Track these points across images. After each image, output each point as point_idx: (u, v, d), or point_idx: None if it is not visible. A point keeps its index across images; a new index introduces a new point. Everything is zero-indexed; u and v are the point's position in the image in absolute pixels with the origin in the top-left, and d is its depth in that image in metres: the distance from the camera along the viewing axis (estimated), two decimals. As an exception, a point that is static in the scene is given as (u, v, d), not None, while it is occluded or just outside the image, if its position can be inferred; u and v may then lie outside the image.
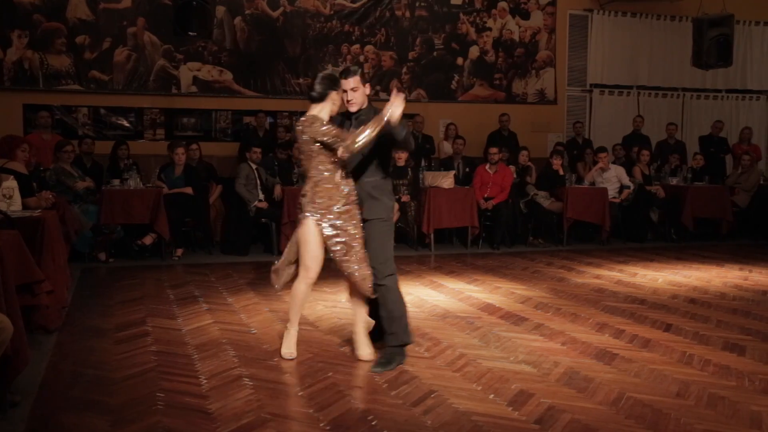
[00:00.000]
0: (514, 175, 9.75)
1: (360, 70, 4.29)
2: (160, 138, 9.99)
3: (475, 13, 11.48)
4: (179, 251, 8.26)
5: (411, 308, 5.76)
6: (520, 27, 11.72)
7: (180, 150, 8.50)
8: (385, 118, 3.93)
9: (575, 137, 11.36)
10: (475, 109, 11.43)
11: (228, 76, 10.32)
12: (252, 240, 8.75)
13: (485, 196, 9.31)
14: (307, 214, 4.20)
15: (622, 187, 9.93)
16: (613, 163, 10.21)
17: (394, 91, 4.07)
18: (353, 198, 4.23)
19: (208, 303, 5.91)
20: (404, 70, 11.15)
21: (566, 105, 12.03)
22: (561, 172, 9.78)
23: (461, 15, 11.40)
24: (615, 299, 6.24)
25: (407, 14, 11.12)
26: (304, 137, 4.11)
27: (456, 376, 4.10)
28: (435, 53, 11.30)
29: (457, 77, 11.44)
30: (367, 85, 4.31)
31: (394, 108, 3.93)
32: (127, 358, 4.35)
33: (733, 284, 6.99)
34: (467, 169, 9.81)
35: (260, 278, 7.13)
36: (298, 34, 10.61)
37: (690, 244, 9.81)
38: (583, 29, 12.04)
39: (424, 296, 6.29)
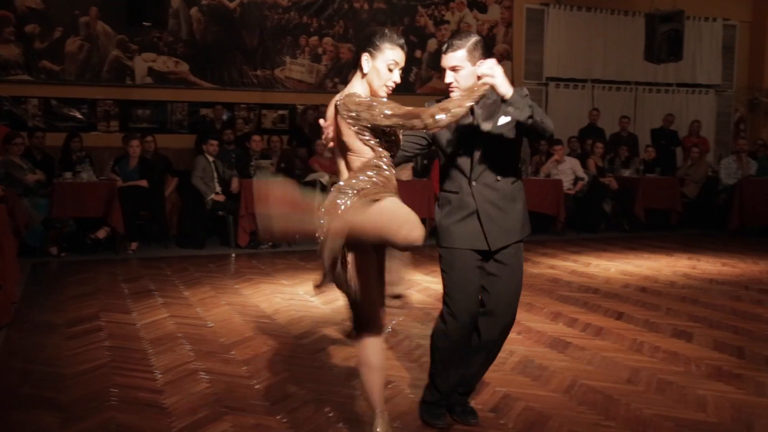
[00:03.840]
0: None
1: (472, 41, 2.97)
2: (114, 130, 9.80)
3: (433, 6, 11.52)
4: (134, 245, 8.14)
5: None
6: (477, 20, 11.80)
7: (135, 142, 8.37)
8: (483, 90, 2.75)
9: (531, 130, 11.48)
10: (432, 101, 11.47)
11: (184, 67, 10.17)
12: (208, 233, 8.67)
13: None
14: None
15: (576, 179, 10.10)
16: (568, 155, 10.38)
17: (488, 61, 2.82)
18: None
19: (164, 297, 5.84)
20: (362, 62, 11.14)
21: (523, 98, 12.15)
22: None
23: (419, 8, 11.43)
24: (569, 289, 6.35)
25: (366, 6, 11.10)
26: (349, 120, 2.71)
27: (413, 366, 4.14)
28: (393, 46, 11.31)
29: (415, 70, 11.47)
30: (483, 62, 2.88)
31: (489, 73, 2.75)
32: (80, 354, 4.28)
33: (682, 273, 7.17)
34: (425, 162, 9.86)
35: (217, 271, 7.08)
36: (255, 26, 10.50)
37: (642, 234, 10.04)
38: (539, 23, 12.18)
39: (382, 288, 6.31)
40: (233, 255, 8.11)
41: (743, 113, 13.15)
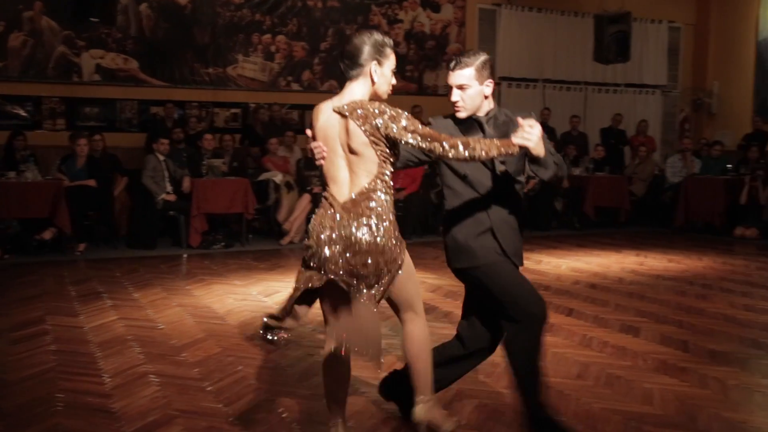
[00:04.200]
0: (426, 167, 9.87)
1: (481, 60, 2.94)
2: (61, 128, 9.55)
3: (386, 5, 11.54)
4: (81, 246, 7.95)
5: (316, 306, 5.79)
6: (430, 20, 11.86)
7: (82, 141, 8.19)
8: (512, 149, 2.72)
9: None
10: (387, 100, 11.49)
11: (133, 64, 9.97)
12: (159, 233, 8.52)
13: (396, 187, 9.40)
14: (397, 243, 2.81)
15: (528, 178, 10.23)
16: (520, 154, 10.50)
17: (529, 120, 2.74)
18: None
19: (113, 299, 5.73)
20: (316, 60, 11.09)
21: (476, 97, 12.27)
22: (470, 163, 9.98)
23: (373, 7, 11.43)
24: (521, 286, 6.43)
25: (319, 4, 11.05)
26: (365, 128, 2.68)
27: (367, 365, 4.13)
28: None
29: (368, 69, 11.47)
30: (489, 81, 2.97)
31: (532, 137, 2.69)
32: (24, 359, 4.17)
33: (630, 269, 7.34)
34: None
35: (168, 272, 6.97)
36: (207, 23, 10.36)
37: (591, 232, 10.24)
38: (491, 23, 12.31)
39: (337, 287, 6.30)
40: (185, 255, 8.00)
41: (688, 113, 13.52)
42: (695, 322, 5.16)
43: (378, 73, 2.78)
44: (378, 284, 2.78)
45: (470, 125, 2.99)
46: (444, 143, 2.65)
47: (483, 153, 2.68)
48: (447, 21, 11.96)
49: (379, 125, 2.67)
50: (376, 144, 2.70)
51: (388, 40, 2.84)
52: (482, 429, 3.24)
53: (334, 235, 2.69)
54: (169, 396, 3.59)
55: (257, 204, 8.77)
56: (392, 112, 2.69)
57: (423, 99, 11.50)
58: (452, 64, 2.96)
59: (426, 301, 5.77)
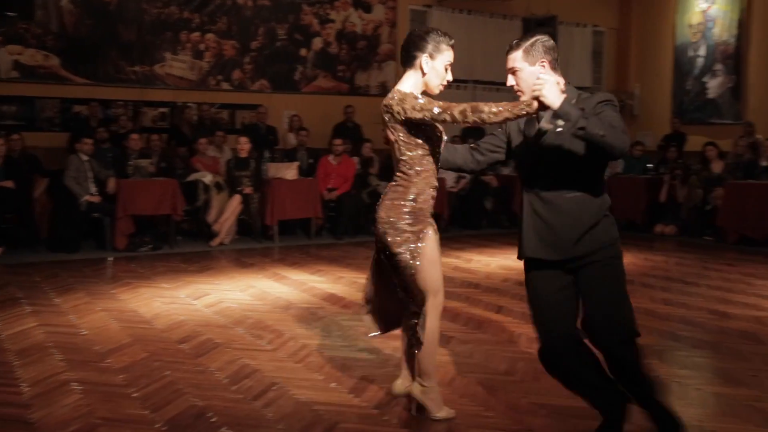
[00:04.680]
0: (358, 167, 9.89)
1: (529, 42, 2.82)
2: (-24, 127, 9.14)
3: (318, 5, 11.49)
4: (-1, 250, 7.63)
5: (253, 301, 5.73)
6: (362, 20, 11.88)
7: (-1, 140, 7.84)
8: (526, 107, 2.68)
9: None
10: (319, 100, 11.46)
11: (55, 61, 9.62)
12: (83, 236, 8.25)
13: (329, 187, 9.38)
14: (430, 225, 3.15)
15: (459, 177, 10.38)
16: (451, 154, 10.63)
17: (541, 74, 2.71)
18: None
19: (33, 305, 5.50)
20: (247, 59, 10.95)
21: (407, 98, 12.35)
22: (402, 163, 10.04)
23: (304, 6, 11.36)
24: (452, 284, 6.51)
25: (249, 3, 10.91)
26: (389, 120, 2.97)
27: (298, 367, 4.11)
28: (278, 43, 11.19)
29: (300, 68, 11.40)
30: (543, 61, 2.80)
31: (546, 89, 2.58)
32: (-64, 369, 3.96)
33: (557, 267, 7.51)
34: (311, 161, 9.83)
35: (92, 276, 6.76)
36: (133, 20, 10.09)
37: (521, 231, 10.43)
38: (422, 24, 12.39)
39: (267, 288, 6.24)
40: (110, 259, 7.77)
41: (612, 114, 13.94)
42: (618, 317, 5.32)
43: (429, 66, 2.96)
44: (391, 255, 3.08)
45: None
46: (452, 110, 2.81)
47: (492, 116, 2.73)
48: (378, 21, 12.00)
49: (396, 111, 2.91)
50: (395, 131, 2.98)
51: (447, 38, 2.99)
52: (412, 426, 3.25)
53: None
54: (92, 404, 3.48)
55: (186, 205, 8.60)
56: (407, 98, 2.90)
57: (355, 99, 11.51)
58: (507, 49, 2.89)
59: (358, 300, 5.77)
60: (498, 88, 13.02)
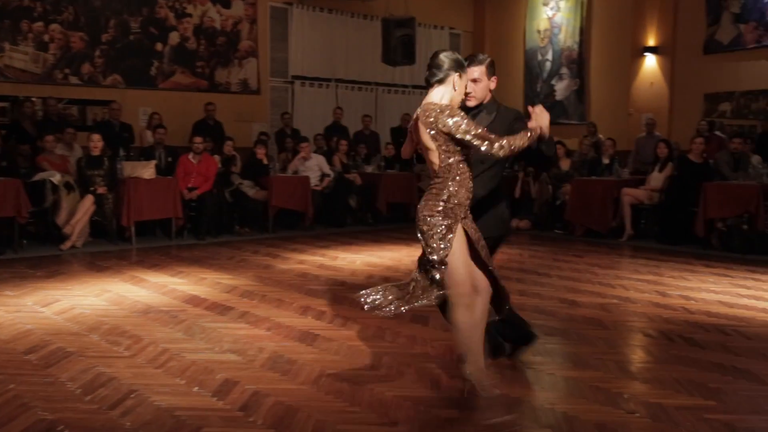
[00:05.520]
0: (219, 165, 9.66)
1: (489, 60, 3.72)
2: None
3: (174, -2, 11.10)
4: None
5: (109, 306, 5.46)
6: (221, 15, 11.60)
7: None
8: (536, 133, 3.33)
9: (284, 128, 11.61)
10: (177, 97, 11.08)
11: None
12: None
13: (189, 186, 9.09)
14: (461, 222, 3.40)
15: (323, 176, 10.40)
16: (315, 152, 10.65)
17: (538, 107, 3.40)
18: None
19: None
20: (97, 53, 10.39)
21: (269, 95, 12.23)
22: (265, 162, 9.93)
23: (159, -2, 10.94)
24: (318, 283, 6.52)
25: (99, -7, 10.36)
26: (431, 128, 3.27)
27: (158, 372, 3.95)
28: (131, 37, 10.70)
29: (156, 63, 10.97)
30: (494, 78, 3.75)
31: (544, 121, 3.35)
32: None
33: (420, 262, 7.71)
34: (170, 159, 9.48)
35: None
36: (-36, 6, 9.29)
37: (384, 227, 10.64)
38: (283, 21, 12.32)
39: (124, 292, 5.96)
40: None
41: (469, 114, 14.50)
42: (477, 308, 5.54)
43: (458, 83, 3.38)
44: (426, 247, 3.40)
45: (477, 112, 3.67)
46: (492, 142, 3.24)
47: (515, 146, 3.27)
48: (238, 17, 11.77)
49: (442, 124, 3.24)
50: (436, 140, 3.29)
51: (465, 61, 3.52)
52: (279, 426, 3.22)
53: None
54: (-76, 425, 3.17)
55: (32, 207, 8.02)
56: (452, 113, 3.26)
57: (216, 96, 11.24)
58: (467, 61, 3.56)
59: (222, 301, 5.66)
60: (360, 87, 13.20)
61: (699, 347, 4.51)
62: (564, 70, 13.13)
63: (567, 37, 12.99)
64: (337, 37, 12.82)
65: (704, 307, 5.62)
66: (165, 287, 6.20)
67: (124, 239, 8.66)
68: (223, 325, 4.98)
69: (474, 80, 3.62)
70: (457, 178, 3.34)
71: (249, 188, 9.68)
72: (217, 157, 9.72)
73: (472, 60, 3.65)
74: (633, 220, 9.44)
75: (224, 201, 9.49)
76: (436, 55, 3.43)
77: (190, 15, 11.26)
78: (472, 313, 3.43)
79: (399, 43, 10.98)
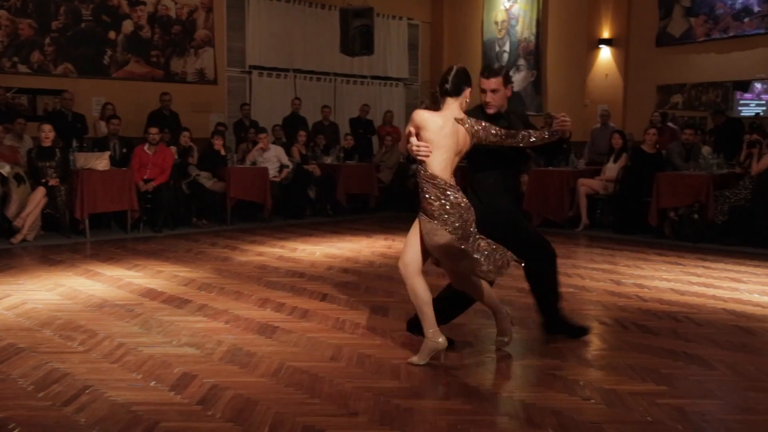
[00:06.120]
0: (176, 156, 9.51)
1: (504, 70, 4.12)
2: None
3: (127, -15, 10.87)
4: None
5: (62, 300, 5.35)
6: (176, 3, 11.41)
7: None
8: (557, 136, 3.98)
9: (242, 119, 11.48)
10: (131, 86, 10.88)
11: None
12: None
13: (145, 177, 8.94)
14: None
15: (281, 167, 10.33)
16: (273, 143, 10.56)
17: (562, 114, 4.03)
18: None
19: None
20: (47, 41, 10.13)
21: (227, 85, 12.08)
22: (222, 153, 9.81)
23: (111, -15, 10.70)
24: (277, 274, 6.49)
25: (48, -21, 10.08)
26: (471, 133, 3.87)
27: (114, 367, 3.89)
28: (83, 24, 10.45)
29: (110, 52, 10.74)
30: (509, 87, 4.13)
31: (567, 126, 3.97)
32: None
33: (379, 253, 7.74)
34: (124, 150, 9.31)
35: None
36: None
37: (343, 218, 10.63)
38: (240, 10, 12.16)
39: (79, 286, 5.84)
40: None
41: (428, 105, 14.51)
42: (436, 298, 5.58)
43: (468, 95, 3.89)
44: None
45: (497, 118, 4.07)
46: (515, 137, 3.92)
47: (538, 141, 3.94)
48: (194, 6, 11.59)
49: (475, 130, 3.86)
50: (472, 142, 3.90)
51: (485, 71, 4.14)
52: (238, 420, 3.20)
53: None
54: None
55: (-20, 199, 7.80)
56: (484, 123, 3.92)
57: (171, 86, 11.06)
58: (486, 73, 4.08)
59: (179, 294, 5.59)
60: (318, 77, 13.13)
61: (652, 334, 4.62)
62: (521, 62, 13.25)
63: (524, 28, 13.11)
64: (295, 26, 12.71)
65: (657, 295, 5.76)
66: (121, 281, 6.10)
67: (77, 232, 8.48)
68: (180, 318, 4.92)
69: (492, 90, 4.04)
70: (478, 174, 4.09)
71: (206, 180, 9.56)
72: (173, 148, 9.57)
73: (488, 72, 4.07)
74: (588, 210, 9.60)
75: (181, 193, 9.35)
76: (450, 70, 3.92)
77: (144, 3, 11.04)
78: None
79: (357, 34, 10.95)
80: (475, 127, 3.86)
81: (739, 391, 3.64)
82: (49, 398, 3.42)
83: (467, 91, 3.89)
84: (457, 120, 3.84)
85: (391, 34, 13.97)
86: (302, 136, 10.97)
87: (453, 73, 3.88)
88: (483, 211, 3.96)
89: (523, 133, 3.93)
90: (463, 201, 3.80)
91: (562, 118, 3.96)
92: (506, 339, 4.27)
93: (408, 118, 13.59)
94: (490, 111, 4.08)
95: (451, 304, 4.28)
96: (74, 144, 8.84)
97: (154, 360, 4.00)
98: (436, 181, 3.78)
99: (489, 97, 4.05)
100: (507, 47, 13.43)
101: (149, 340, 4.41)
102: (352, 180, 10.92)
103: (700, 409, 3.38)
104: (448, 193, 3.78)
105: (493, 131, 3.87)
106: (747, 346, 4.41)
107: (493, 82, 4.04)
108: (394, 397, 3.49)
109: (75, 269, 6.58)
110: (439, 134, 3.77)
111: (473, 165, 4.20)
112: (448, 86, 3.86)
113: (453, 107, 3.87)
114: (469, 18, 14.11)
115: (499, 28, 13.54)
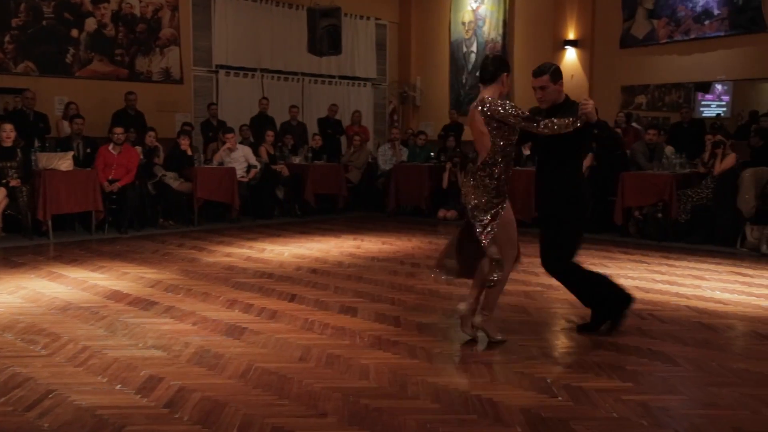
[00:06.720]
0: (141, 156, 9.39)
1: (553, 68, 4.34)
2: None
3: (90, -17, 10.69)
4: None
5: (24, 303, 5.25)
6: (141, 2, 11.26)
7: None
8: (580, 119, 4.10)
9: (210, 118, 11.37)
10: (95, 86, 10.70)
11: None
12: None
13: (109, 178, 8.81)
14: (506, 197, 4.32)
15: (249, 167, 10.26)
16: (240, 143, 10.48)
17: (584, 98, 4.24)
18: None
19: None
20: (7, 38, 9.91)
21: (193, 85, 11.95)
22: (189, 153, 9.71)
23: (74, -17, 10.51)
24: (245, 275, 6.44)
25: (9, -24, 9.87)
26: (485, 116, 4.13)
27: (79, 371, 3.83)
28: (44, 22, 10.25)
29: (72, 50, 10.55)
30: (560, 82, 4.36)
31: (587, 108, 4.09)
32: None
33: (348, 253, 7.73)
34: (88, 150, 9.16)
35: None
36: None
37: (312, 219, 10.60)
38: (206, 9, 12.04)
39: (41, 289, 5.73)
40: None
41: (396, 105, 14.59)
42: (406, 299, 5.60)
43: (506, 80, 4.25)
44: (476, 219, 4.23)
45: (552, 112, 4.33)
46: (539, 125, 4.12)
47: (560, 128, 4.11)
48: (159, 4, 11.44)
49: (494, 111, 4.09)
50: (489, 125, 4.13)
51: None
52: (206, 422, 3.17)
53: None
54: None
55: (-62, 201, 7.60)
56: (503, 102, 4.13)
57: (136, 85, 10.92)
58: (534, 73, 4.36)
59: (145, 296, 5.52)
60: (286, 77, 13.06)
61: (618, 332, 4.69)
62: (488, 62, 13.33)
63: (491, 29, 13.20)
64: (262, 26, 12.63)
65: (622, 293, 5.83)
66: (85, 283, 6.00)
67: (40, 234, 8.32)
68: (146, 320, 4.85)
69: (540, 88, 4.34)
70: (506, 159, 4.18)
71: (173, 180, 9.45)
72: (138, 148, 9.45)
73: (535, 72, 4.36)
74: (555, 209, 9.66)
75: (147, 193, 9.23)
76: (486, 58, 4.32)
77: (107, 1, 10.87)
78: (508, 273, 4.36)
79: (325, 33, 10.91)
80: (491, 107, 4.10)
81: (702, 387, 3.71)
82: (11, 403, 3.35)
83: (503, 77, 4.22)
84: (477, 103, 4.16)
85: (359, 34, 13.96)
86: (270, 136, 10.90)
87: (489, 60, 4.29)
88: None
89: (545, 121, 4.14)
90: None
91: (584, 102, 4.13)
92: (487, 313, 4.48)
93: (376, 118, 13.64)
94: (543, 105, 4.43)
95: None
96: (36, 144, 8.68)
97: (119, 363, 3.95)
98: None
99: (539, 94, 4.40)
100: (474, 48, 13.51)
101: (115, 342, 4.35)
102: (321, 180, 10.88)
103: (664, 405, 3.44)
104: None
105: (513, 112, 4.11)
106: (709, 342, 4.50)
107: (540, 81, 4.35)
108: (363, 397, 3.49)
109: (38, 271, 6.46)
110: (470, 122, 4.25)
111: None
112: (485, 73, 4.23)
113: (484, 93, 4.20)
114: (436, 18, 14.16)
115: (467, 28, 13.61)
